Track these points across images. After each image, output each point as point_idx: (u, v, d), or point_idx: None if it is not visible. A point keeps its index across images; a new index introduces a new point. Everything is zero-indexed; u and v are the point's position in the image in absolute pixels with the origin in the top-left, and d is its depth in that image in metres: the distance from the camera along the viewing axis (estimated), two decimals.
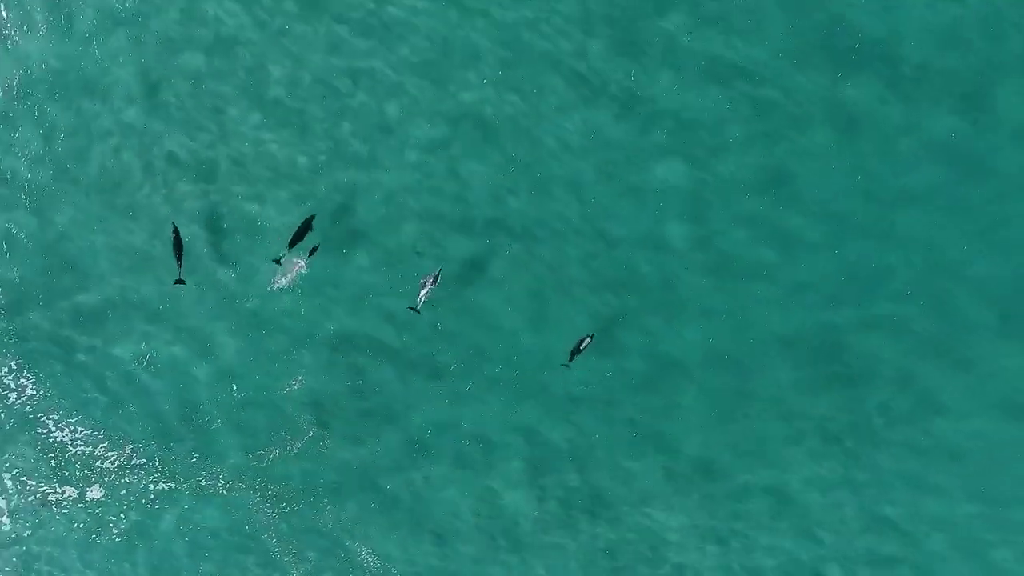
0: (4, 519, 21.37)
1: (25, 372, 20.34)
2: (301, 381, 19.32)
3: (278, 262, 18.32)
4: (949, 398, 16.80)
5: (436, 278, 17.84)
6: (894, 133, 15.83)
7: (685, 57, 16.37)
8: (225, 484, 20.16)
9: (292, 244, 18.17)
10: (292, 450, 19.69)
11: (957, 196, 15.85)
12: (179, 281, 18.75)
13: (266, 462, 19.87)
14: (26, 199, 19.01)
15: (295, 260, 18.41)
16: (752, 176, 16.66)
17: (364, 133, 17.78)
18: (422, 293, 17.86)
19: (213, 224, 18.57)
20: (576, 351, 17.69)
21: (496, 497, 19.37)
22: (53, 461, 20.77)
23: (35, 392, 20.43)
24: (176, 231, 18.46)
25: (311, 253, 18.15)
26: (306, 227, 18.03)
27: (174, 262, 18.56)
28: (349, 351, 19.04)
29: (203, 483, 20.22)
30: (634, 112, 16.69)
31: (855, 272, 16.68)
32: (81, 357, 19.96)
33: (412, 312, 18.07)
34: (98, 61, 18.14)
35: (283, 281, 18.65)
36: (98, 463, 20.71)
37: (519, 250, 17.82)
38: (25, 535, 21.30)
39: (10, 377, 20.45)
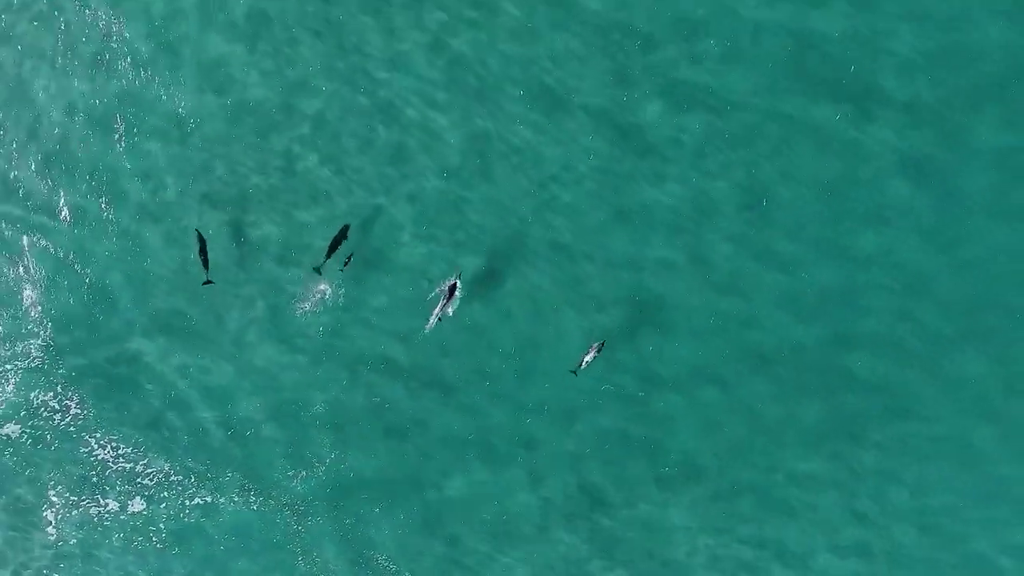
0: (50, 529, 22.17)
1: (70, 394, 21.30)
2: (323, 401, 20.23)
3: (319, 271, 19.32)
4: (921, 404, 17.67)
5: (455, 286, 18.61)
6: (865, 158, 16.86)
7: (671, 90, 17.52)
8: (256, 499, 20.93)
9: (329, 253, 19.02)
10: (317, 469, 20.58)
11: (923, 217, 16.84)
12: (208, 282, 19.77)
13: (294, 479, 20.70)
14: (71, 231, 20.23)
15: (319, 286, 19.49)
16: (733, 202, 17.67)
17: (379, 164, 18.97)
18: (440, 305, 18.74)
19: (241, 251, 19.70)
20: (588, 356, 18.29)
21: (502, 501, 20.05)
22: (95, 477, 21.67)
23: (79, 412, 21.35)
24: (200, 237, 19.55)
25: (346, 262, 19.13)
26: (341, 236, 18.96)
27: (201, 266, 19.52)
28: (364, 371, 19.91)
29: (235, 498, 21.00)
30: (624, 141, 17.80)
31: (830, 290, 17.61)
32: (121, 379, 20.93)
33: (425, 330, 19.08)
34: (136, 106, 19.55)
35: (307, 305, 19.70)
36: (138, 479, 21.52)
37: (518, 273, 18.82)
38: (71, 543, 22.13)
39: (55, 400, 21.38)
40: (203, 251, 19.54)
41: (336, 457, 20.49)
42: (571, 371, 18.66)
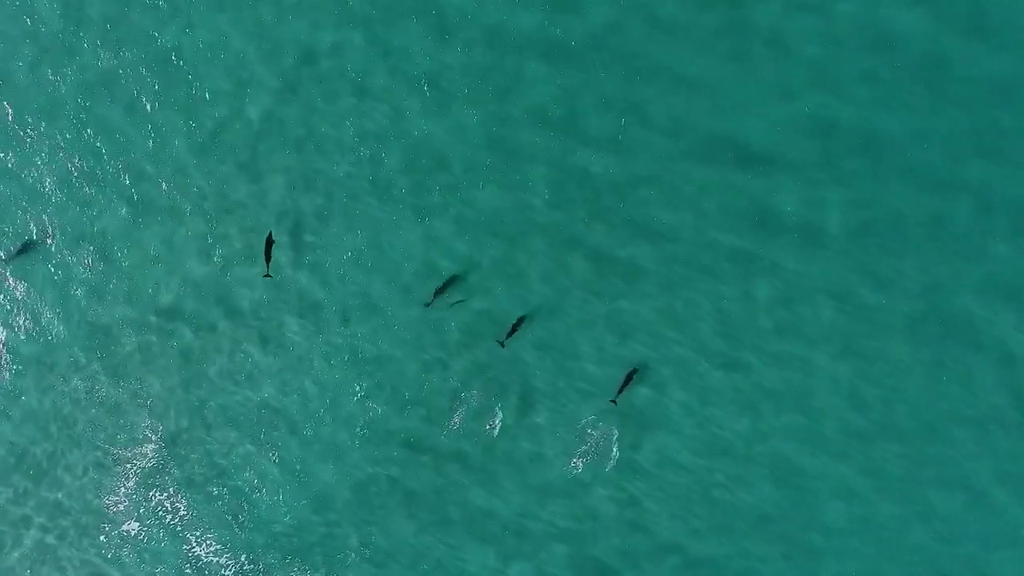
0: None
1: (181, 496, 24.01)
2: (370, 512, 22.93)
3: (429, 305, 21.42)
4: None
5: (517, 326, 20.74)
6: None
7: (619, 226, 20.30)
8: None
9: (436, 294, 21.16)
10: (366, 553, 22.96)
11: None
12: (267, 276, 21.81)
13: (346, 562, 23.03)
14: (176, 353, 23.55)
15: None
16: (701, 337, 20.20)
17: (448, 254, 21.49)
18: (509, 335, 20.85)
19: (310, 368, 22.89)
20: (625, 385, 20.14)
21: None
22: (188, 569, 24.30)
23: (186, 513, 24.04)
24: (270, 235, 21.57)
25: (454, 303, 21.20)
26: (447, 284, 21.02)
27: (264, 262, 21.73)
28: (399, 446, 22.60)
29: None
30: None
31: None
32: (221, 485, 23.79)
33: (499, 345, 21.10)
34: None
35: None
36: (221, 570, 24.02)
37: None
38: None
39: (169, 500, 24.15)
40: (268, 248, 21.46)
41: (385, 539, 23.03)
42: (611, 400, 20.37)
